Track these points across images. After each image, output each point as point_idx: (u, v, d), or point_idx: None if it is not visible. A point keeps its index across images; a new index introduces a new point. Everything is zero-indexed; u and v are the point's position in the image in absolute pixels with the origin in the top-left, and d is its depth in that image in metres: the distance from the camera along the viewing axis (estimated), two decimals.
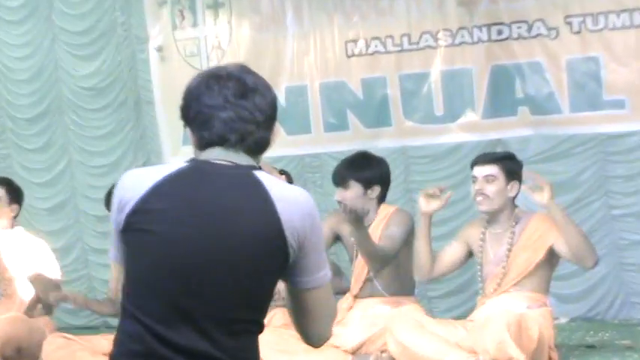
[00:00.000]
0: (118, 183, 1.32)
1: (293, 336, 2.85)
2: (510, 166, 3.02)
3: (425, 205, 3.08)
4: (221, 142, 1.32)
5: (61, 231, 4.52)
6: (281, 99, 4.20)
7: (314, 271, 1.32)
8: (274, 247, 1.27)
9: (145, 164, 4.08)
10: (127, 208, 1.28)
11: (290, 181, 3.33)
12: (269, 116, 1.35)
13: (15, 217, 3.46)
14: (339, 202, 3.24)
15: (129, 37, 4.42)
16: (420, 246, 3.09)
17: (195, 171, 1.31)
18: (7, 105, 4.57)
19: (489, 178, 2.94)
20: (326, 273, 1.34)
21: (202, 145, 1.34)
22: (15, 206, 3.44)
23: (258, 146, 1.35)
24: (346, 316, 3.27)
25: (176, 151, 4.31)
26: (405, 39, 4.09)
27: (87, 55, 4.44)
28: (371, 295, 3.35)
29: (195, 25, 4.30)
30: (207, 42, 4.27)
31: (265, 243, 1.27)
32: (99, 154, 4.42)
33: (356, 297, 3.37)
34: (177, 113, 3.59)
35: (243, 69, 1.37)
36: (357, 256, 3.29)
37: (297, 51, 4.17)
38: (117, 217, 1.30)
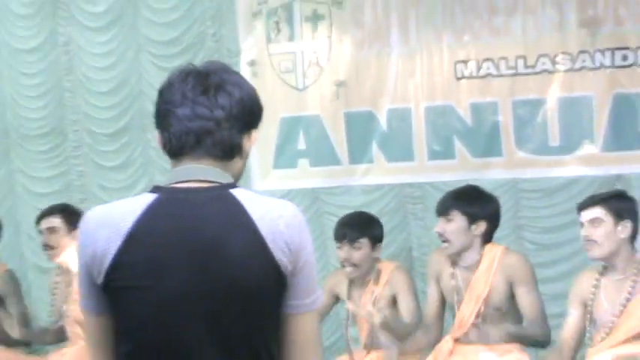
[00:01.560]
0: (81, 227, 1.23)
1: None
2: (618, 205, 2.74)
3: None
4: (180, 147, 1.23)
5: None
6: (382, 122, 3.88)
7: (308, 292, 1.21)
8: (268, 275, 1.18)
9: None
10: (105, 263, 1.19)
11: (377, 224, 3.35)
12: (234, 116, 1.24)
13: None
14: (440, 235, 3.02)
15: (219, 49, 4.09)
16: None
17: (168, 206, 1.21)
18: (85, 118, 4.27)
19: (595, 222, 2.68)
20: (318, 296, 1.24)
21: (168, 151, 1.27)
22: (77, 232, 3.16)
23: (220, 149, 1.23)
24: None
25: (266, 173, 3.98)
26: (521, 62, 3.74)
27: (173, 68, 4.11)
28: (475, 342, 3.04)
29: (291, 38, 3.98)
30: (304, 57, 3.95)
31: (259, 274, 1.17)
32: None
33: (457, 341, 3.07)
34: (269, 134, 3.29)
35: (218, 66, 1.30)
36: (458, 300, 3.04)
37: (402, 71, 3.83)
38: (89, 268, 1.21)
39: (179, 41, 4.14)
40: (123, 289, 1.19)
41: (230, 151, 1.25)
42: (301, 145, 3.97)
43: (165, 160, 3.81)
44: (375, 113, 3.88)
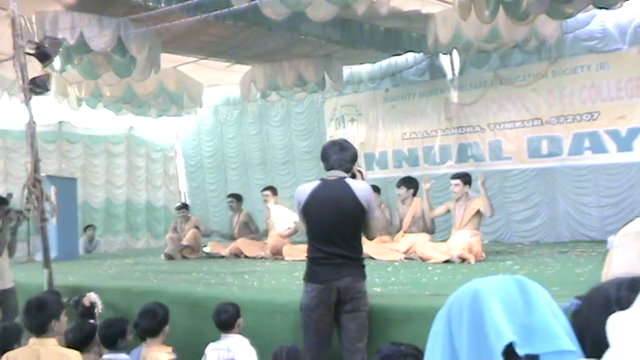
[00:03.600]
0: (296, 191, 3.52)
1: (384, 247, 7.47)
2: None
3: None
4: (332, 168, 3.47)
5: None
6: (377, 156, 10.55)
7: (373, 212, 3.48)
8: (358, 208, 3.39)
9: None
10: (302, 203, 3.43)
11: (376, 189, 7.68)
12: (351, 159, 3.54)
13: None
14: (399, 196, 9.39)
15: (319, 132, 11.10)
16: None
17: (323, 185, 3.42)
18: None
19: None
20: (376, 214, 3.48)
21: (326, 168, 3.50)
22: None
23: (346, 170, 3.50)
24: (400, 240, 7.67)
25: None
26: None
27: (303, 138, 11.18)
28: (412, 232, 7.56)
29: (344, 128, 10.86)
30: (349, 135, 10.70)
31: (354, 208, 3.38)
32: None
33: (405, 232, 7.83)
34: None
35: (345, 140, 3.63)
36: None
37: (382, 136, 10.55)
38: (298, 205, 3.49)
39: (305, 130, 11.27)
40: (307, 214, 3.43)
41: (349, 171, 3.49)
42: None
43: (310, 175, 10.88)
44: (374, 153, 10.57)
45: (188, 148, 13.25)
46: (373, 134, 10.59)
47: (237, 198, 9.51)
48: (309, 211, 3.46)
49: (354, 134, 10.73)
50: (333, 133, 10.99)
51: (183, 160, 13.43)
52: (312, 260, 3.49)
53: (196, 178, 13.16)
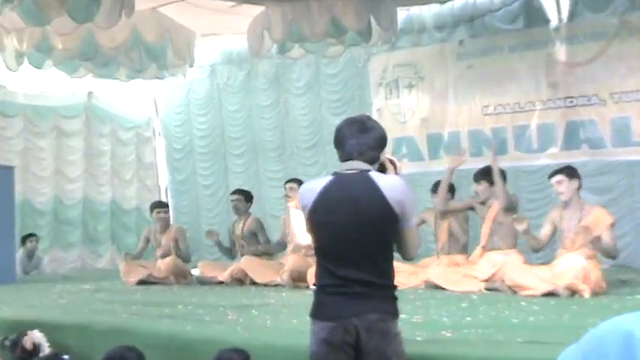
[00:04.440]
0: (300, 191, 3.63)
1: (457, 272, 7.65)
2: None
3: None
4: (350, 157, 3.49)
5: None
6: (445, 138, 10.53)
7: (407, 220, 3.45)
8: (388, 213, 3.36)
9: None
10: (309, 206, 3.49)
11: (451, 188, 8.22)
12: (376, 145, 3.51)
13: None
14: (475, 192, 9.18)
15: (362, 103, 11.26)
16: None
17: (337, 181, 3.48)
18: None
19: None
20: (413, 222, 3.50)
21: (342, 158, 3.54)
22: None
23: (370, 159, 3.49)
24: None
25: None
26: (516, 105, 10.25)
27: (339, 113, 11.11)
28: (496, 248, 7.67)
29: (398, 97, 10.91)
30: (405, 106, 10.78)
31: (382, 213, 3.36)
32: None
33: (484, 248, 7.86)
34: (387, 147, 10.41)
35: (369, 118, 3.70)
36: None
37: (454, 112, 10.51)
38: (304, 209, 3.58)
39: (342, 99, 11.43)
40: (315, 223, 3.51)
41: (375, 161, 3.52)
42: (404, 151, 10.74)
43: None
44: (442, 133, 10.58)
45: (172, 125, 13.33)
46: (440, 107, 10.69)
47: (246, 196, 9.69)
48: (318, 218, 3.52)
49: (413, 106, 10.86)
50: (381, 104, 11.09)
51: (164, 142, 13.51)
52: (321, 289, 3.58)
53: (183, 169, 13.30)
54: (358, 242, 3.42)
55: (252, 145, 12.47)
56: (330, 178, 3.54)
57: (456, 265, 7.88)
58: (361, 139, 3.50)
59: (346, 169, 3.52)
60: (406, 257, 3.59)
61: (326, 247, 3.52)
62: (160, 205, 10.00)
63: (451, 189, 8.29)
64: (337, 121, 11.37)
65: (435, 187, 8.29)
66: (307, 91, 11.86)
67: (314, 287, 3.70)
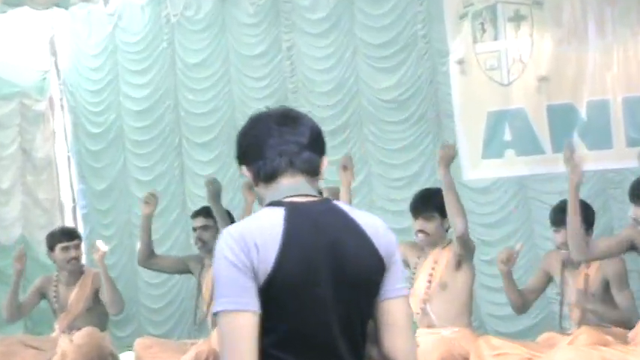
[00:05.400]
0: (228, 241, 3.18)
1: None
2: None
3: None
4: (275, 171, 3.31)
5: None
6: (582, 113, 9.11)
7: (399, 280, 3.36)
8: (376, 265, 3.29)
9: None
10: (262, 275, 3.15)
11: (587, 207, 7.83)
12: (314, 140, 3.35)
13: None
14: (634, 220, 7.98)
15: (430, 50, 9.98)
16: None
17: (299, 218, 3.24)
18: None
19: None
20: (405, 286, 3.38)
21: (262, 177, 3.35)
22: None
23: (308, 166, 3.34)
24: None
25: (476, 164, 9.49)
26: None
27: (387, 68, 10.11)
28: None
29: (496, 38, 9.52)
30: (508, 55, 9.39)
31: (370, 265, 3.28)
32: (397, 166, 9.99)
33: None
34: (477, 126, 9.75)
35: (287, 108, 3.52)
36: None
37: (600, 64, 9.02)
38: (250, 274, 3.16)
39: (392, 43, 10.13)
40: (287, 289, 3.16)
41: (317, 169, 3.34)
42: (507, 136, 9.35)
43: (382, 154, 10.35)
44: (575, 105, 9.10)
45: (85, 90, 12.92)
46: (575, 57, 9.38)
47: (213, 216, 9.43)
48: (291, 282, 3.27)
49: (524, 56, 9.60)
50: (465, 52, 9.93)
51: (71, 121, 13.20)
52: None
53: (105, 170, 12.84)
54: (352, 320, 3.33)
55: (229, 128, 11.29)
56: (279, 212, 3.28)
57: (604, 344, 7.32)
58: (295, 136, 3.37)
59: (293, 196, 3.35)
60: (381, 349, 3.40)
61: (299, 332, 3.27)
62: (67, 236, 9.97)
63: (587, 214, 7.65)
64: (385, 82, 10.12)
65: (558, 214, 7.83)
66: (330, 29, 10.72)
67: None
